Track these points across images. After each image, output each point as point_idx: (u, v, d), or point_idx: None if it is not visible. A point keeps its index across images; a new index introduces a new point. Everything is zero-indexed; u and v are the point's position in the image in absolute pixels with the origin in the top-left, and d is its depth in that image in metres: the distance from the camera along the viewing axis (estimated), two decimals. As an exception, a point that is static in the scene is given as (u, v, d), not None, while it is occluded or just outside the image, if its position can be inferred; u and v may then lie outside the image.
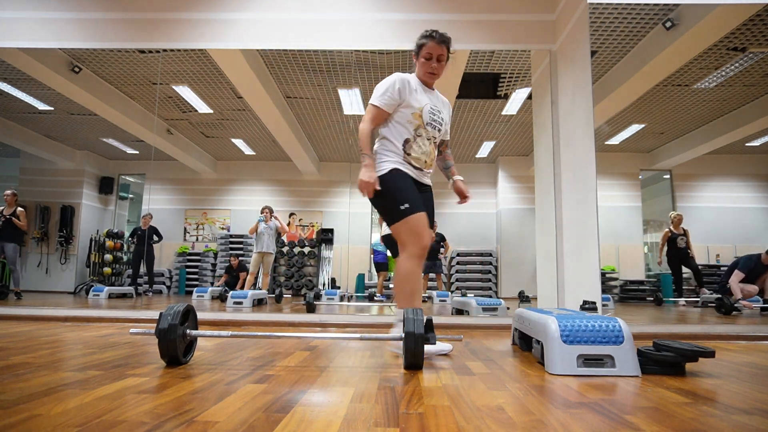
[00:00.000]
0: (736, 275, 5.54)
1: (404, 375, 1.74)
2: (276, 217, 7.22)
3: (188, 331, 1.86)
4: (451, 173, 2.46)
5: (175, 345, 1.77)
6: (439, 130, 2.28)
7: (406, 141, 2.21)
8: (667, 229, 7.08)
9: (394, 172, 2.17)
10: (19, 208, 6.71)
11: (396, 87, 2.18)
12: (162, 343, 1.75)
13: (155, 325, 1.76)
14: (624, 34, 5.08)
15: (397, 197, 2.14)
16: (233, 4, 4.29)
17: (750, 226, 8.49)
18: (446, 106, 2.37)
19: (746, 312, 5.21)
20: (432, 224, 2.23)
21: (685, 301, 6.83)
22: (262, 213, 7.14)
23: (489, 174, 10.59)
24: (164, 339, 1.75)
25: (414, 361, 1.79)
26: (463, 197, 2.40)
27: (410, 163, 2.20)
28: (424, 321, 1.80)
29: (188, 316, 1.88)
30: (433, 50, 2.20)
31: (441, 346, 2.17)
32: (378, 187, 2.12)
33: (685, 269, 7.01)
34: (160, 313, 1.79)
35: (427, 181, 2.31)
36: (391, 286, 7.83)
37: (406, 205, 2.12)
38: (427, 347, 1.89)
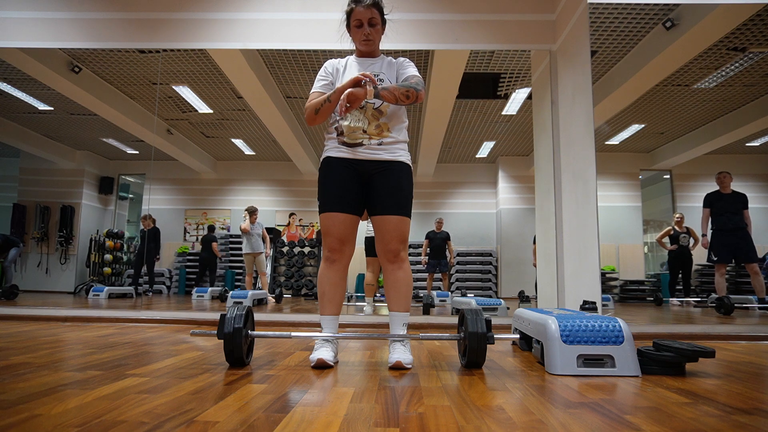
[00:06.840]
0: (703, 212, 5.79)
1: (404, 375, 1.74)
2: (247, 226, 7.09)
3: (249, 332, 1.87)
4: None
5: (240, 347, 1.78)
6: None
7: (337, 121, 2.03)
8: (669, 227, 7.12)
9: (323, 163, 2.04)
10: None
11: (326, 70, 2.09)
12: (227, 346, 1.76)
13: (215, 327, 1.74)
14: (624, 34, 5.08)
15: (319, 191, 2.03)
16: (233, 4, 4.29)
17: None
18: (395, 66, 2.08)
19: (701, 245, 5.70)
20: (396, 208, 1.97)
21: (679, 301, 6.85)
22: (252, 215, 7.13)
23: (489, 174, 10.57)
24: (229, 342, 1.76)
25: (476, 360, 1.81)
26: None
27: (345, 143, 1.97)
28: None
29: (249, 317, 1.89)
30: (361, 15, 2.01)
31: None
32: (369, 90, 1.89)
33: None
34: (222, 315, 1.78)
35: (376, 155, 1.96)
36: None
37: (319, 202, 2.02)
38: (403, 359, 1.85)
